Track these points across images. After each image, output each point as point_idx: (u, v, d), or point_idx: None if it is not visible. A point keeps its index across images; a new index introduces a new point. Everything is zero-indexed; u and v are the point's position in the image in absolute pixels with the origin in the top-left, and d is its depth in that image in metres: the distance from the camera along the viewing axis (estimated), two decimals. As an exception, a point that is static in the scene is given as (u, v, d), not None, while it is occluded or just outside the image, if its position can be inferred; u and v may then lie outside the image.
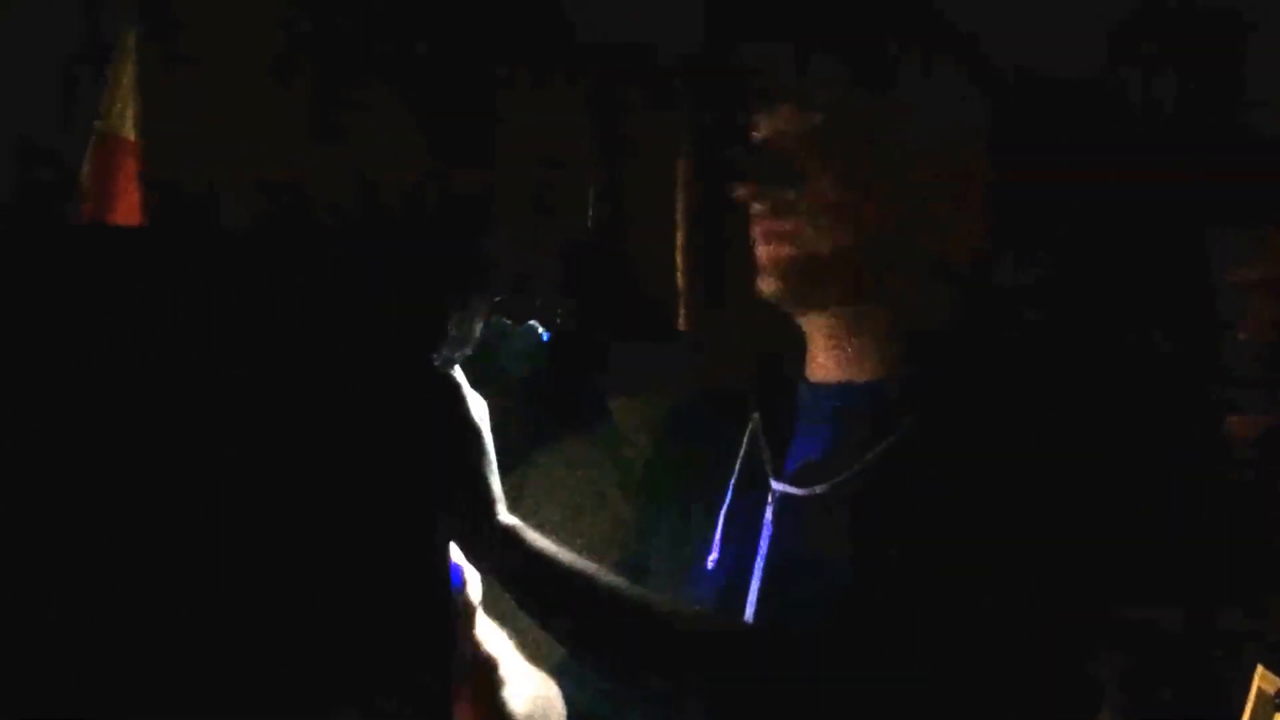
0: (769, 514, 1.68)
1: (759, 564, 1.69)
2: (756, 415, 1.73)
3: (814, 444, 1.68)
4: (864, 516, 1.58)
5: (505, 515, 1.57)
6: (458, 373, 1.58)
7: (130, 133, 2.34)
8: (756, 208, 1.68)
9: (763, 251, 1.68)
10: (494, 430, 1.59)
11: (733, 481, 1.74)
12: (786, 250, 1.66)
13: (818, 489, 1.64)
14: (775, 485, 1.68)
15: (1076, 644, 1.55)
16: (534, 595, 1.58)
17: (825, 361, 1.70)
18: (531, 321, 1.73)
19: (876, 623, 1.51)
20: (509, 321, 1.72)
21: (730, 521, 1.73)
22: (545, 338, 1.73)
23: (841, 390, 1.68)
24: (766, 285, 1.68)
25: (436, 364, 1.57)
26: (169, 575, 1.40)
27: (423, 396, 1.53)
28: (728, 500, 1.74)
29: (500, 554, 1.56)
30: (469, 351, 1.60)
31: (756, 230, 1.68)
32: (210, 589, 1.40)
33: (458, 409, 1.57)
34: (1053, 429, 1.55)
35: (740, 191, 1.68)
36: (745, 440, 1.74)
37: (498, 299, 1.63)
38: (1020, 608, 1.50)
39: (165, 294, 1.42)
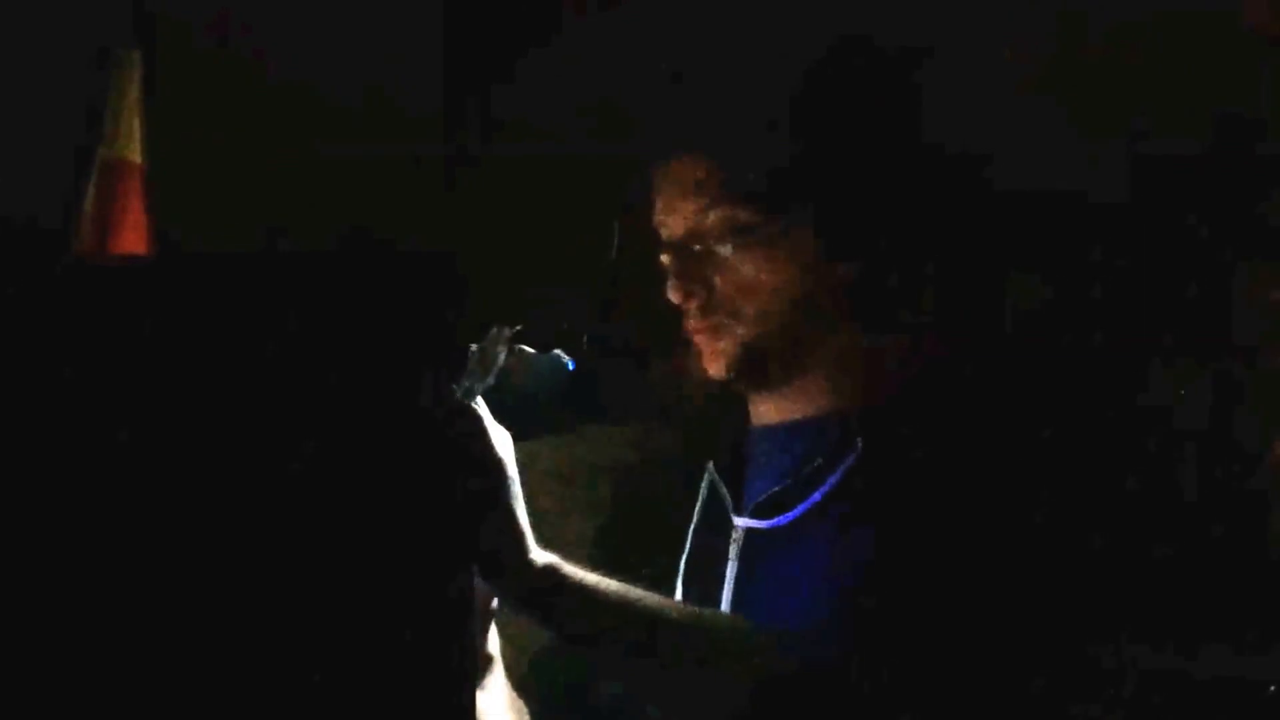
0: (733, 550, 1.71)
1: (725, 598, 1.71)
2: (710, 463, 1.78)
3: (768, 481, 1.71)
4: (825, 542, 1.62)
5: (538, 551, 1.53)
6: (480, 404, 1.55)
7: (135, 156, 2.31)
8: (686, 305, 1.71)
9: (700, 343, 1.72)
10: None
11: (692, 526, 1.78)
12: (725, 341, 1.70)
13: (780, 521, 1.67)
14: (738, 521, 1.71)
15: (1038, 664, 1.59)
16: (583, 628, 1.56)
17: (769, 408, 1.74)
18: (556, 350, 1.70)
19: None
20: (531, 350, 1.68)
21: (691, 564, 1.76)
22: (570, 366, 1.69)
23: (788, 429, 1.72)
24: (714, 370, 1.72)
25: (458, 395, 1.54)
26: (185, 611, 1.38)
27: (445, 430, 1.49)
28: (688, 545, 1.78)
29: (539, 591, 1.53)
30: (491, 382, 1.57)
31: (690, 325, 1.72)
32: (225, 631, 1.38)
33: (481, 442, 1.52)
34: (991, 450, 1.61)
35: (671, 295, 1.71)
36: (703, 486, 1.78)
37: (519, 327, 1.60)
38: (975, 623, 1.55)
39: (188, 334, 1.41)
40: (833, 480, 1.65)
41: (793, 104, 1.69)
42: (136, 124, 2.31)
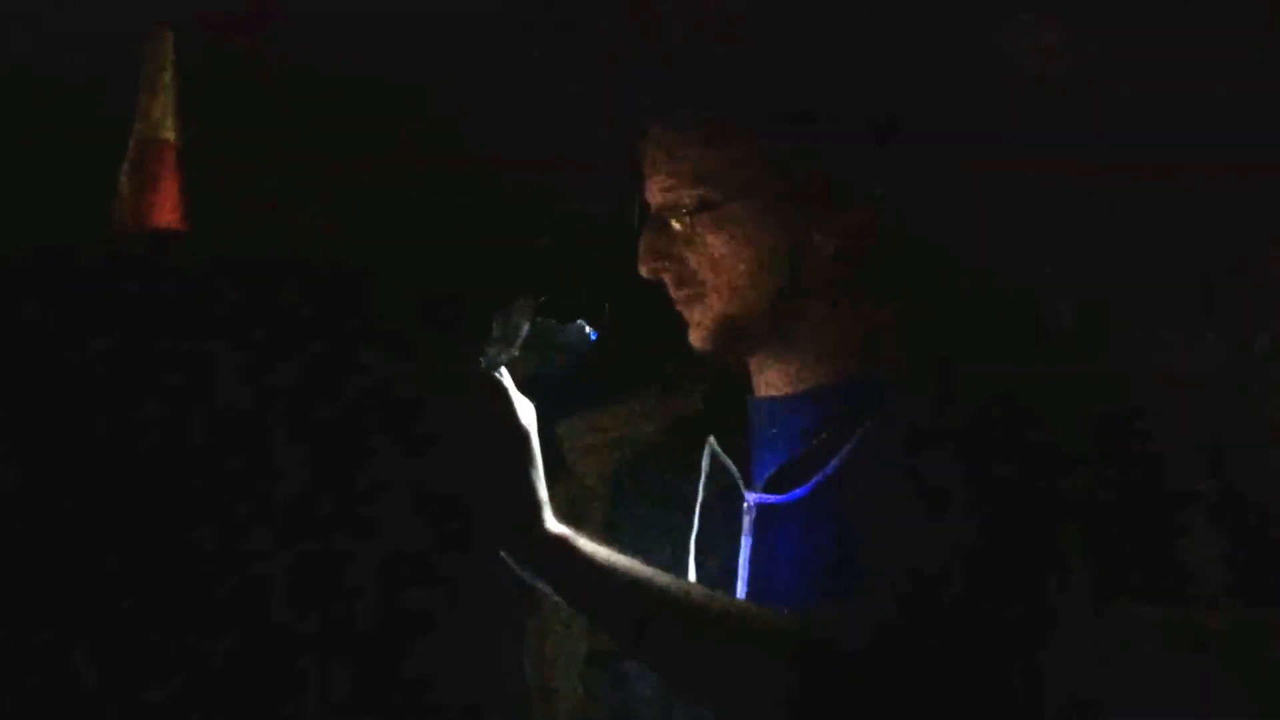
0: (747, 524, 1.71)
1: (742, 573, 1.71)
2: (712, 438, 1.77)
3: (776, 454, 1.71)
4: (843, 514, 1.63)
5: (553, 522, 1.55)
6: (504, 374, 1.56)
7: (170, 134, 2.34)
8: (656, 279, 1.72)
9: (683, 313, 1.72)
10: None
11: (699, 503, 1.77)
12: (700, 313, 1.70)
13: (796, 494, 1.67)
14: (750, 496, 1.71)
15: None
16: (591, 601, 1.57)
17: (771, 378, 1.74)
18: (579, 320, 1.70)
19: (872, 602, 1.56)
20: (555, 321, 1.69)
21: (702, 542, 1.75)
22: (594, 337, 1.70)
23: (792, 401, 1.72)
24: (696, 342, 1.73)
25: (482, 366, 1.55)
26: (206, 582, 1.38)
27: (468, 400, 1.52)
28: (696, 523, 1.76)
29: (551, 561, 1.54)
30: (515, 352, 1.58)
31: (675, 300, 1.73)
32: (238, 604, 1.39)
33: (504, 412, 1.54)
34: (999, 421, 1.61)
35: (641, 268, 1.72)
36: (705, 462, 1.77)
37: (543, 298, 1.61)
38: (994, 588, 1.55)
39: (210, 306, 1.42)
40: (846, 450, 1.66)
41: (755, 88, 1.71)
42: (170, 102, 2.33)
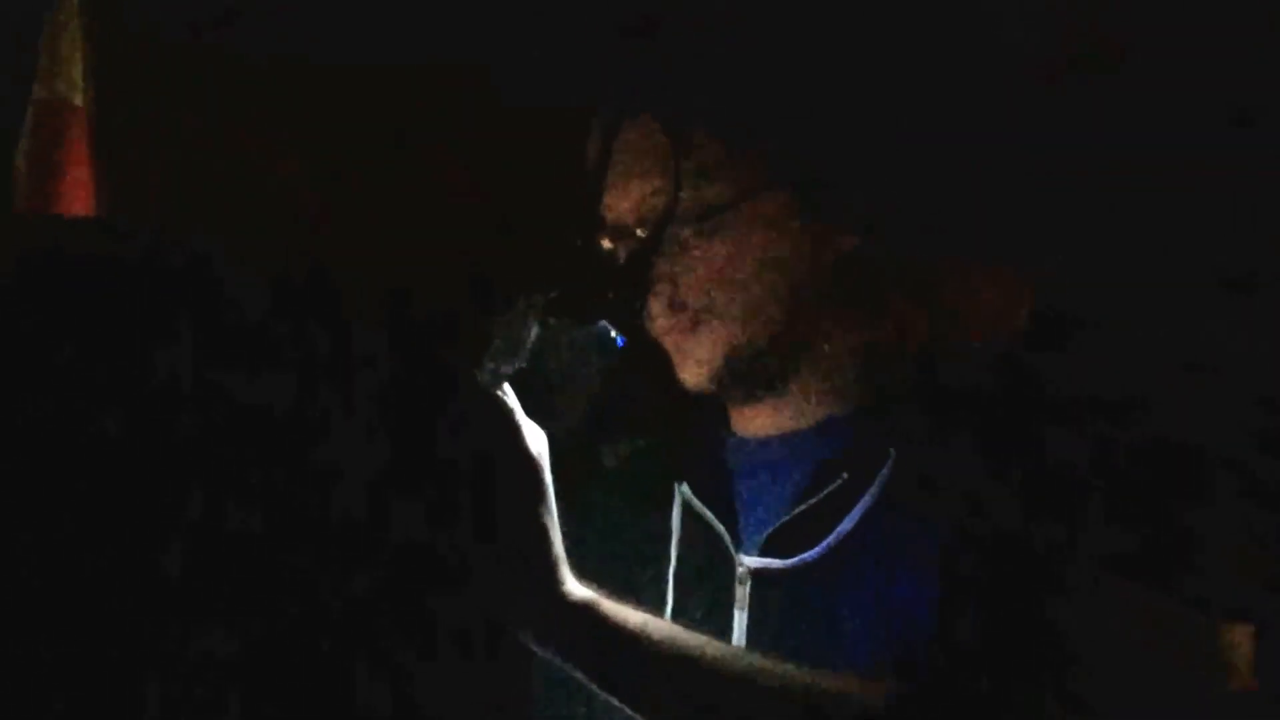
0: (741, 595, 1.55)
1: None
2: (684, 486, 1.60)
3: (771, 507, 1.58)
4: (873, 573, 1.51)
5: (574, 584, 1.32)
6: (508, 392, 1.34)
7: (77, 98, 2.12)
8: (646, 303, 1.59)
9: (671, 347, 1.59)
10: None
11: (671, 571, 1.60)
12: (699, 344, 1.56)
13: (807, 556, 1.54)
14: (748, 561, 1.55)
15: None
16: (630, 684, 1.35)
17: (760, 417, 1.59)
18: (602, 322, 1.53)
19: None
20: (569, 324, 1.51)
21: (679, 615, 1.57)
22: (620, 342, 1.52)
23: (787, 442, 1.59)
24: (694, 380, 1.59)
25: (482, 380, 1.32)
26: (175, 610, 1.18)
27: (465, 425, 1.27)
28: (670, 596, 1.59)
29: (576, 636, 1.32)
30: (522, 364, 1.36)
31: (655, 326, 1.59)
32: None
33: (509, 441, 1.31)
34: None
35: (621, 290, 1.59)
36: (676, 517, 1.61)
37: (553, 294, 1.39)
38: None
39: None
40: (868, 499, 1.50)
41: (769, 61, 1.56)
42: (78, 64, 2.12)
